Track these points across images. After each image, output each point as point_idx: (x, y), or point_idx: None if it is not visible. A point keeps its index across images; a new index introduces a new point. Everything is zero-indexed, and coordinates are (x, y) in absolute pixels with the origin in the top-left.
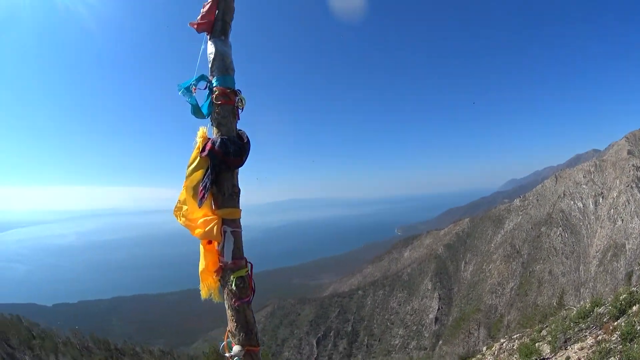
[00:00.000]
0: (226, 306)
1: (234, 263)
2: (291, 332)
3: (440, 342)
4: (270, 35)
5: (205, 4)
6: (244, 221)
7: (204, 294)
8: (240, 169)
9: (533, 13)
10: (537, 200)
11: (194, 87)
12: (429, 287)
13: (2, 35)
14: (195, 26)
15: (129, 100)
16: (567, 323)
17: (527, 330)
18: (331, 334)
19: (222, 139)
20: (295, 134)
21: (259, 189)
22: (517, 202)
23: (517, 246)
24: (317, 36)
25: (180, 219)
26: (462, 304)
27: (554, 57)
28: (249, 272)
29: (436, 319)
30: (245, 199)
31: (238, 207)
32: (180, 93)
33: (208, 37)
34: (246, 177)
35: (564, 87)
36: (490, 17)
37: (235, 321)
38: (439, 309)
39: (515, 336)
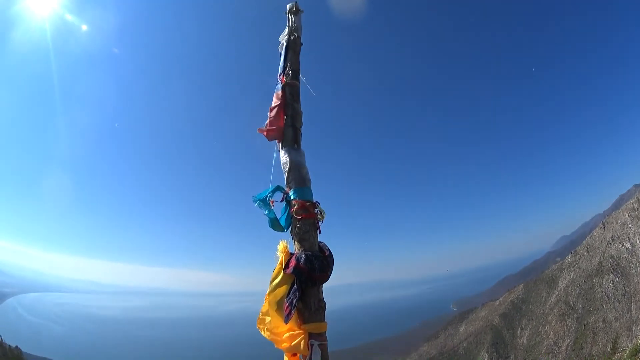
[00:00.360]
0: None
1: None
2: None
3: None
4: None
5: (271, 107)
6: None
7: None
8: None
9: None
10: (588, 252)
11: (270, 199)
12: (485, 359)
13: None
14: (265, 133)
15: (181, 186)
16: None
17: None
18: None
19: (306, 255)
20: (345, 220)
21: None
22: (568, 258)
23: (572, 302)
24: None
25: (264, 332)
26: None
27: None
28: None
29: None
30: None
31: (324, 320)
32: (257, 205)
33: (279, 144)
34: None
35: (599, 132)
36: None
37: None
38: None
39: None
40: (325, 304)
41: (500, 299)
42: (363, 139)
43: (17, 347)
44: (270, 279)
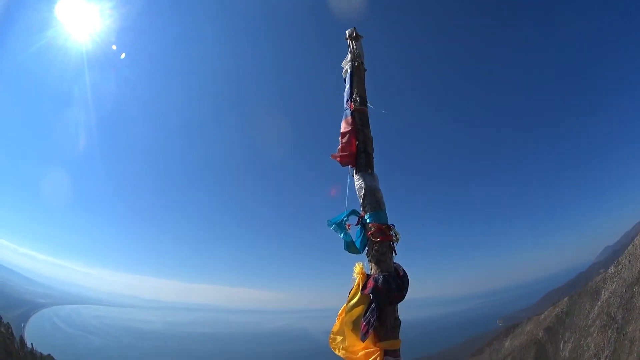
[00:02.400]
0: None
1: None
2: None
3: None
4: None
5: (342, 133)
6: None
7: None
8: None
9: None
10: (629, 261)
11: (347, 223)
12: None
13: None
14: (339, 159)
15: (226, 203)
16: None
17: None
18: None
19: (384, 276)
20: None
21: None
22: (611, 269)
23: (612, 313)
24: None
25: (338, 351)
26: None
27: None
28: None
29: None
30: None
31: (399, 338)
32: (332, 228)
33: (353, 169)
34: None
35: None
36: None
37: None
38: None
39: None
40: (401, 321)
41: (545, 312)
42: (411, 158)
43: (49, 355)
44: (347, 299)
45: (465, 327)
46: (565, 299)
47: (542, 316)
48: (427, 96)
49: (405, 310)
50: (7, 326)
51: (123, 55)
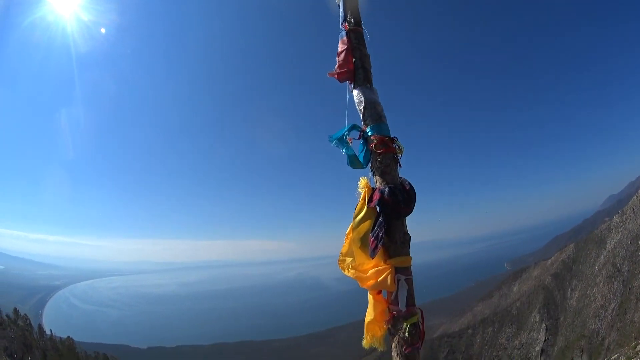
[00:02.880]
0: (394, 354)
1: (407, 311)
2: None
3: None
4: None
5: (338, 52)
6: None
7: (366, 343)
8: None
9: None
10: (634, 212)
11: (348, 137)
12: (537, 319)
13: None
14: (336, 76)
15: (230, 158)
16: None
17: (624, 348)
18: None
19: (390, 187)
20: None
21: None
22: (616, 218)
23: (618, 265)
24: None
25: (347, 271)
26: (568, 332)
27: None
28: (421, 318)
29: (542, 350)
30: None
31: (409, 254)
32: (333, 144)
33: (351, 85)
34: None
35: None
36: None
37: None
38: (545, 340)
39: (613, 357)
40: (410, 236)
41: (552, 258)
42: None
43: (68, 337)
44: (353, 215)
45: (473, 271)
46: (572, 245)
47: (549, 262)
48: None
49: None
50: (25, 318)
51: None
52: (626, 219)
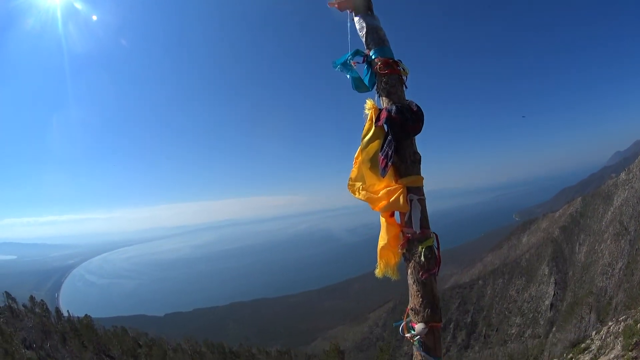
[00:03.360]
0: (410, 282)
1: (422, 233)
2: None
3: (554, 328)
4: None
5: None
6: (367, 218)
7: (379, 272)
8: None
9: None
10: None
11: (352, 61)
12: (546, 272)
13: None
14: (337, 5)
15: (234, 115)
16: None
17: (632, 311)
18: (451, 326)
19: (396, 106)
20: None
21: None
22: (622, 175)
23: (625, 223)
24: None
25: (358, 194)
26: (576, 287)
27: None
28: (436, 243)
29: (551, 305)
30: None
31: (420, 174)
32: (337, 69)
33: (352, 14)
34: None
35: None
36: None
37: (421, 296)
38: (554, 294)
39: (621, 318)
40: (421, 156)
41: (560, 211)
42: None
43: (86, 315)
44: (360, 137)
45: (482, 221)
46: (579, 199)
47: (557, 214)
48: None
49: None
50: (42, 304)
51: None
52: (632, 177)
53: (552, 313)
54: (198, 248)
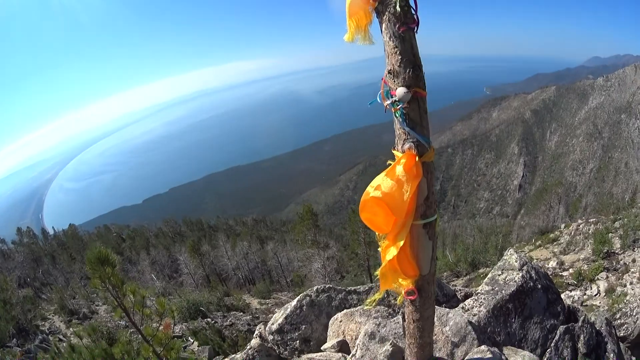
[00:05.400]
0: (385, 38)
1: None
2: None
3: (522, 211)
4: None
5: None
6: (337, 79)
7: (349, 36)
8: None
9: None
10: (619, 84)
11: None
12: (515, 152)
13: None
14: None
15: None
16: (638, 222)
17: (602, 217)
18: None
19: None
20: None
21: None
22: (600, 80)
23: (599, 127)
24: None
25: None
26: (545, 174)
27: None
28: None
29: (520, 186)
30: (342, 54)
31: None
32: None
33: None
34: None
35: None
36: None
37: (399, 53)
38: (523, 175)
39: (591, 220)
40: None
41: (533, 94)
42: None
43: (70, 225)
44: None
45: (452, 90)
46: (553, 87)
47: (530, 96)
48: None
49: (382, 68)
50: (29, 231)
51: None
52: (610, 87)
53: (520, 194)
54: (171, 124)
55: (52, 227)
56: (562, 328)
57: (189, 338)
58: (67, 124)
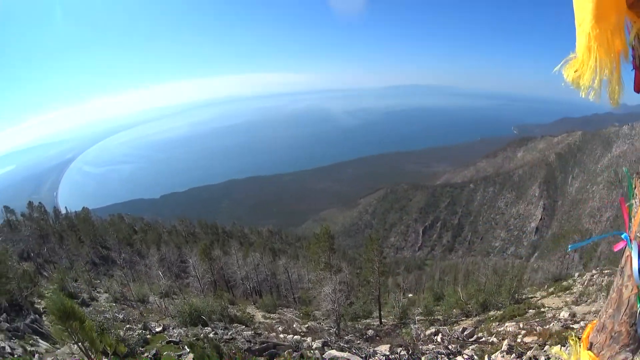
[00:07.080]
0: None
1: None
2: (400, 217)
3: (537, 253)
4: None
5: None
6: (367, 102)
7: (582, 78)
8: None
9: None
10: None
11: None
12: (536, 194)
13: None
14: None
15: None
16: None
17: (616, 269)
18: (438, 225)
19: None
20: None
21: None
22: (625, 129)
23: (620, 175)
24: None
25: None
26: (563, 219)
27: None
28: None
29: (537, 228)
30: (367, 80)
31: None
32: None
33: None
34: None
35: None
36: None
37: None
38: (541, 218)
39: (606, 271)
40: None
41: (559, 137)
42: None
43: (84, 208)
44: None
45: (480, 126)
46: (579, 132)
47: (556, 139)
48: None
49: (424, 95)
50: (40, 207)
51: None
52: (634, 135)
53: (536, 237)
54: (197, 125)
55: (65, 207)
56: None
57: (185, 347)
58: (95, 108)
